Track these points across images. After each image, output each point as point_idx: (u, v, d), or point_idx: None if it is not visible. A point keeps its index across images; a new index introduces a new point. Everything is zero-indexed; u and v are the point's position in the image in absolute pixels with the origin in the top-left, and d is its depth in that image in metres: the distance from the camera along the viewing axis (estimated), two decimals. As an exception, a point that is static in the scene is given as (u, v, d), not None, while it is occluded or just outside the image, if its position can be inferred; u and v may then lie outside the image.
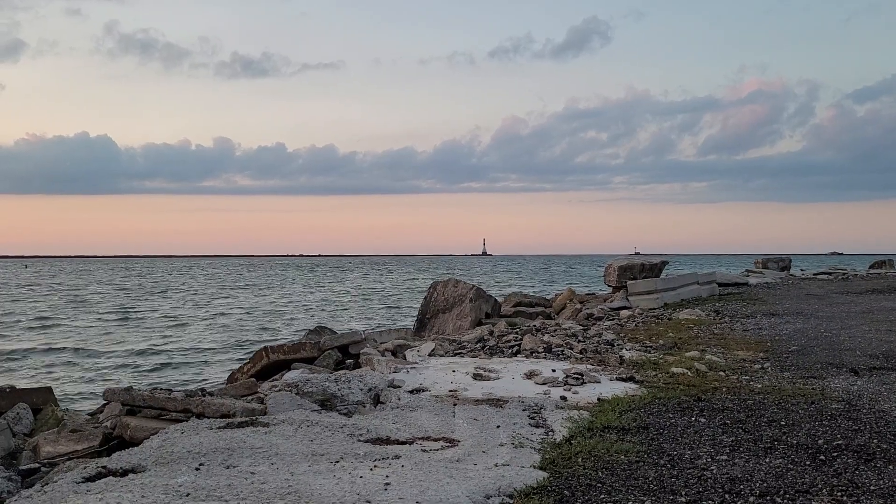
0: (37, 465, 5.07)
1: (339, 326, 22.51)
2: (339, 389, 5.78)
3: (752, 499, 3.45)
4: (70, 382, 14.38)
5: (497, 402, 5.76)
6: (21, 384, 9.74)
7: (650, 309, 13.73)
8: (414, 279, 66.29)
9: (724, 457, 4.13)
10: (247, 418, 5.04)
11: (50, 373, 15.59)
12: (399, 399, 5.87)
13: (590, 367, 7.43)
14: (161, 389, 6.08)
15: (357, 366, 8.34)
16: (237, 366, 10.42)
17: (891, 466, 3.92)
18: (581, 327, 11.06)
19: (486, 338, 10.00)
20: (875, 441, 4.38)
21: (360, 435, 4.62)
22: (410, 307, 31.81)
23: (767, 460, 4.05)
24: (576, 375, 6.72)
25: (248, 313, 30.54)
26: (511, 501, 3.48)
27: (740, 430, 4.71)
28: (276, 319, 27.72)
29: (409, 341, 9.90)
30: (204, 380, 14.42)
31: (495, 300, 14.68)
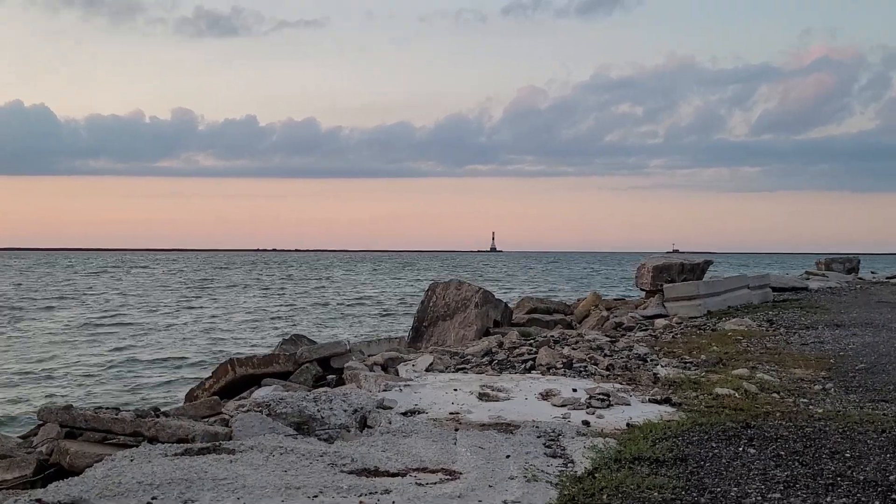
0: (-43, 497, 5.07)
1: (318, 335, 22.29)
2: (318, 410, 5.80)
3: (809, 545, 3.44)
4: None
5: (507, 428, 5.81)
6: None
7: (691, 318, 13.79)
8: (409, 279, 66.28)
9: (777, 495, 4.14)
10: (208, 444, 5.09)
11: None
12: (390, 422, 5.91)
13: (618, 386, 7.45)
14: (107, 409, 6.09)
15: (340, 382, 8.39)
16: (197, 381, 10.44)
17: (976, 508, 3.90)
18: (608, 339, 11.08)
19: (494, 350, 10.03)
20: (958, 478, 4.40)
21: (344, 465, 4.65)
22: (404, 313, 31.81)
23: (829, 499, 4.07)
24: (601, 396, 6.76)
25: (214, 319, 30.54)
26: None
27: (797, 464, 4.73)
28: (243, 327, 27.77)
29: (403, 354, 9.93)
30: (159, 397, 14.44)
31: (505, 305, 14.75)
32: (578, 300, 18.29)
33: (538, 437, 5.52)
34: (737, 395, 6.87)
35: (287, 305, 37.96)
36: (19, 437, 7.66)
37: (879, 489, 4.22)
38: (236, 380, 8.83)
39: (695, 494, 4.14)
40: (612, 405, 6.59)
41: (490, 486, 4.35)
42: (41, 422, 6.59)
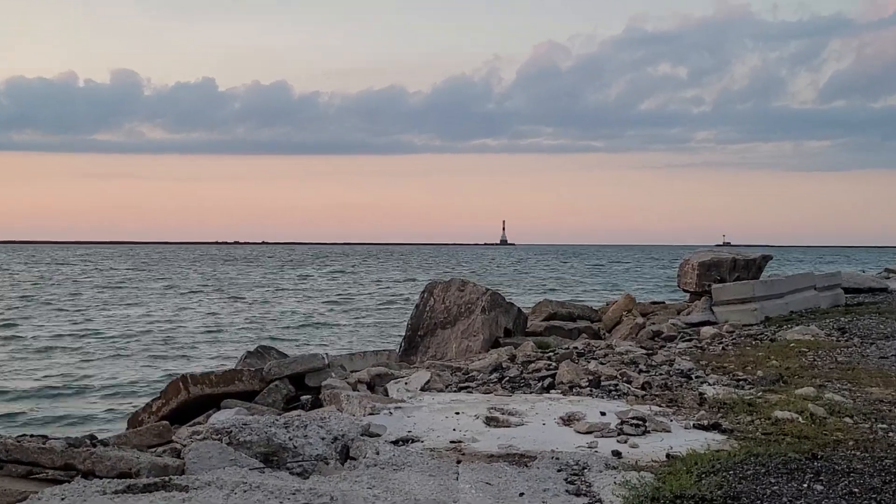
0: None
1: (291, 347, 22.59)
2: (290, 438, 5.87)
3: None
4: None
5: (520, 459, 5.85)
6: None
7: (744, 325, 13.87)
8: (401, 279, 66.36)
9: (850, 542, 4.17)
10: (156, 479, 5.09)
11: None
12: (378, 453, 5.96)
13: (656, 408, 7.52)
14: (32, 436, 6.06)
15: (317, 404, 8.43)
16: (142, 402, 10.46)
17: None
18: (643, 351, 11.14)
19: (504, 365, 10.10)
20: None
21: (321, 505, 4.62)
22: (396, 320, 31.99)
23: (912, 547, 4.10)
24: (635, 421, 6.81)
25: (160, 327, 30.59)
26: None
27: (873, 503, 4.75)
28: (197, 337, 27.86)
29: (394, 369, 10.00)
30: (95, 423, 14.46)
31: (519, 310, 14.87)
32: (608, 304, 18.39)
33: (558, 470, 5.55)
34: (801, 419, 6.94)
35: (252, 310, 38.16)
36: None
37: (974, 534, 4.30)
38: (190, 401, 8.86)
39: (749, 541, 4.15)
40: (648, 432, 6.63)
41: (500, 531, 4.33)
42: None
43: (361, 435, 6.35)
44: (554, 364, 9.85)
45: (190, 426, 7.71)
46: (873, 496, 4.87)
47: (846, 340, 12.00)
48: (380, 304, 41.60)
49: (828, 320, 14.31)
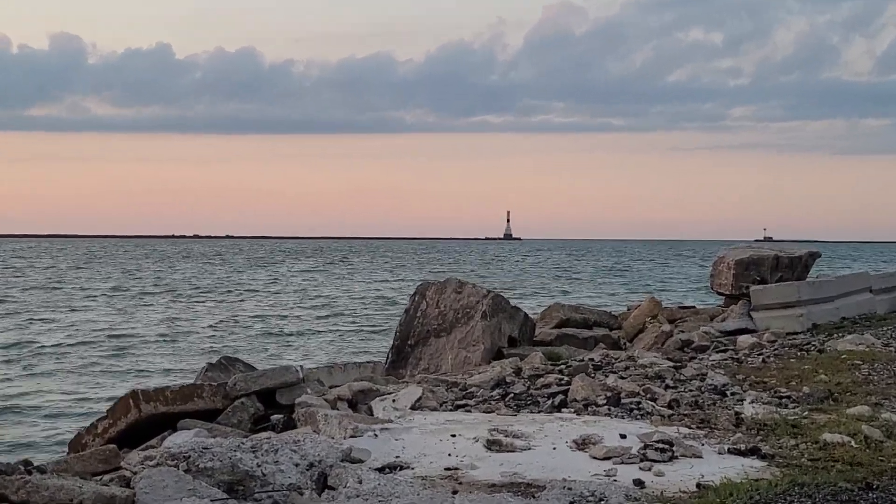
0: None
1: (259, 359, 22.59)
2: (258, 465, 5.82)
3: None
4: None
5: (526, 489, 5.84)
6: None
7: (788, 333, 13.85)
8: (389, 279, 66.39)
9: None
10: (102, 512, 5.03)
11: None
12: (360, 482, 5.92)
13: (685, 430, 7.54)
14: (-43, 462, 6.08)
15: (290, 425, 8.43)
16: (86, 422, 10.41)
17: None
18: (671, 363, 11.17)
19: (508, 379, 10.11)
20: None
21: (295, 542, 4.66)
22: (382, 327, 32.01)
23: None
24: (661, 445, 6.81)
25: (118, 333, 30.54)
26: None
27: (937, 540, 4.74)
28: (150, 347, 27.79)
29: (379, 385, 10.02)
30: (32, 446, 14.34)
31: (525, 316, 14.86)
32: (629, 309, 18.39)
33: (571, 502, 5.53)
34: (853, 443, 6.91)
35: (215, 316, 38.12)
36: None
37: None
38: (142, 420, 8.84)
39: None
40: (676, 457, 6.64)
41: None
42: None
43: (341, 461, 6.29)
44: (566, 378, 9.86)
45: (142, 450, 7.71)
46: (937, 532, 4.92)
47: (907, 351, 11.94)
48: (364, 309, 41.59)
49: (885, 328, 14.26)
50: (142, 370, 23.81)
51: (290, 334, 31.93)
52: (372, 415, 8.36)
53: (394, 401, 8.78)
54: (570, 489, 5.77)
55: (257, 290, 54.52)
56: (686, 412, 8.27)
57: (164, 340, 29.90)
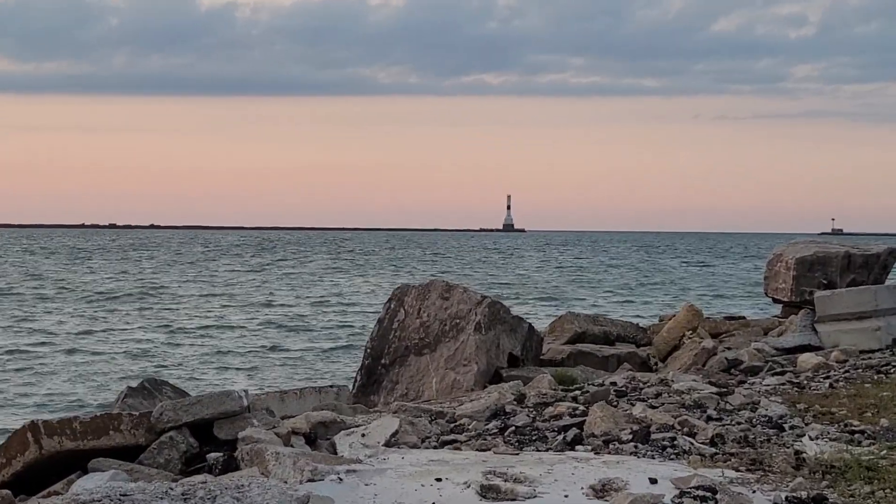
0: None
1: (192, 382, 22.50)
2: (192, 517, 5.65)
3: None
4: None
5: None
6: None
7: (863, 351, 13.28)
8: (360, 281, 64.45)
9: None
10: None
11: None
12: (322, 539, 5.92)
13: (731, 473, 7.30)
14: None
15: (232, 465, 8.23)
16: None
17: None
18: (714, 389, 10.79)
19: (509, 409, 9.94)
20: None
21: None
22: (349, 342, 31.50)
23: None
24: (701, 493, 6.47)
25: (9, 349, 29.23)
26: None
27: None
28: (53, 366, 26.65)
29: (346, 414, 9.97)
30: None
31: (530, 328, 14.57)
32: (661, 320, 18.33)
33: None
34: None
35: (135, 326, 36.75)
36: None
37: None
38: (42, 460, 8.41)
39: None
40: (720, 507, 6.30)
41: None
42: None
43: (297, 513, 5.90)
44: (581, 408, 9.60)
45: (43, 497, 7.43)
46: None
47: None
48: (325, 319, 40.43)
49: None
50: (43, 396, 22.99)
51: (232, 351, 30.91)
52: (335, 453, 8.21)
53: (363, 435, 8.52)
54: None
55: (189, 295, 52.54)
56: (733, 450, 8.02)
57: (73, 359, 28.65)
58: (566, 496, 6.59)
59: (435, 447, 8.48)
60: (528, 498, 6.55)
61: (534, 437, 8.69)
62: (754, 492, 6.68)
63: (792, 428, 8.73)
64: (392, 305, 14.09)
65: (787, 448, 7.87)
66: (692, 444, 8.11)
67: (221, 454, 8.36)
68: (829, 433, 8.51)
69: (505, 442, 8.50)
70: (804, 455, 7.60)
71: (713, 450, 7.98)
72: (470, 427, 9.13)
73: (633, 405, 9.67)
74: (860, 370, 11.98)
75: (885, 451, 7.61)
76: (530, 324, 14.78)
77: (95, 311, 43.14)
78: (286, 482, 6.78)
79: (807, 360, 12.48)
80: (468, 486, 6.71)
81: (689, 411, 9.35)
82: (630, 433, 8.45)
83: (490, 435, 8.78)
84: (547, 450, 8.21)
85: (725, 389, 10.71)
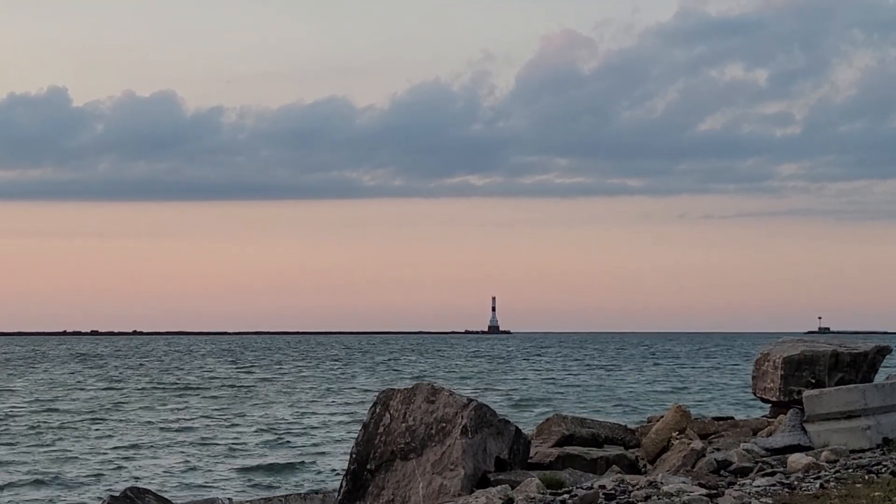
0: None
1: (175, 490, 22.01)
2: None
3: None
4: None
5: None
6: None
7: (853, 451, 13.16)
8: (344, 386, 63.57)
9: None
10: None
11: None
12: None
13: None
14: None
15: None
16: None
17: None
18: (703, 491, 10.85)
19: None
20: None
21: None
22: (334, 448, 31.08)
23: None
24: None
25: None
26: None
27: None
28: (28, 477, 25.75)
29: None
30: None
31: (517, 432, 14.41)
32: (649, 421, 17.82)
33: None
34: None
35: (114, 434, 35.81)
36: None
37: None
38: None
39: None
40: None
41: None
42: None
43: None
44: None
45: None
46: None
47: None
48: (309, 423, 39.37)
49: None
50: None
51: (214, 456, 30.17)
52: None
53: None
54: None
55: (171, 401, 51.25)
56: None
57: (48, 470, 27.48)
58: None
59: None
60: None
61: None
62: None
63: (785, 535, 8.91)
64: (377, 409, 13.99)
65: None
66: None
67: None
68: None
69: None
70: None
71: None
72: (458, 534, 8.98)
73: (624, 512, 9.62)
74: (851, 470, 11.93)
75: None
76: (517, 427, 14.62)
77: (75, 419, 41.49)
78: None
79: (797, 460, 12.47)
80: None
81: (678, 516, 9.41)
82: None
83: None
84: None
85: (715, 491, 10.72)
